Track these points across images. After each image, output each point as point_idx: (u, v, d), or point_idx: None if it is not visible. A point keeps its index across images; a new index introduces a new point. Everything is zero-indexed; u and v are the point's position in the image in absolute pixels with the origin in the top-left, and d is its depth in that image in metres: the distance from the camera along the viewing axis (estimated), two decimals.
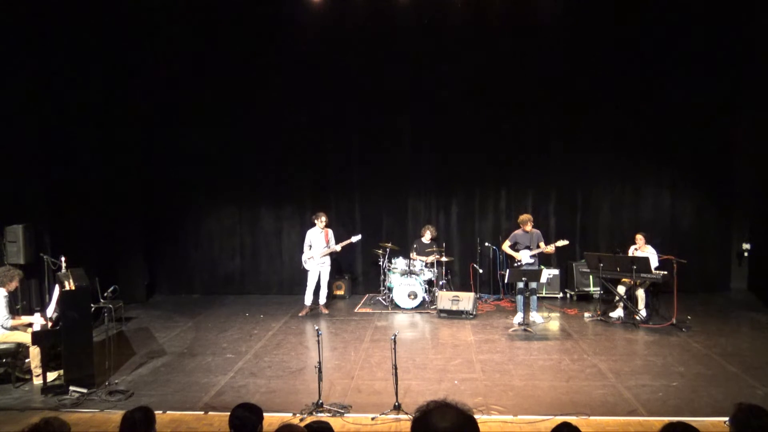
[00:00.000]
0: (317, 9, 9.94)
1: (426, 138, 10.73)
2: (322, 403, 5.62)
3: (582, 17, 10.09)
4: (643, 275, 8.39)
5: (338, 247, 9.45)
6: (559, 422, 3.19)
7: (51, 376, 6.39)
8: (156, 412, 3.54)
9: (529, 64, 10.28)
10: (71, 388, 6.12)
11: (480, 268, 10.44)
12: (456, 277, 10.86)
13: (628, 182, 10.63)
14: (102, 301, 7.09)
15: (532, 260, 8.74)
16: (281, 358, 7.35)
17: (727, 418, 3.07)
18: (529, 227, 8.76)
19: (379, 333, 8.39)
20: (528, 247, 8.75)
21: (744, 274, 10.54)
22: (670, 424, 2.73)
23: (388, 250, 9.98)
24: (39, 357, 6.38)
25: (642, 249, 8.80)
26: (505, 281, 9.45)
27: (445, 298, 9.24)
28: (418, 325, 9.02)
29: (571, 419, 4.18)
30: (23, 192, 8.18)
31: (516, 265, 8.75)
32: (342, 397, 5.97)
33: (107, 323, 7.18)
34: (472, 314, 9.04)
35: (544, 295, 10.05)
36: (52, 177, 8.62)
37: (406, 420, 5.35)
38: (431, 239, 10.12)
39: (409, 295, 9.60)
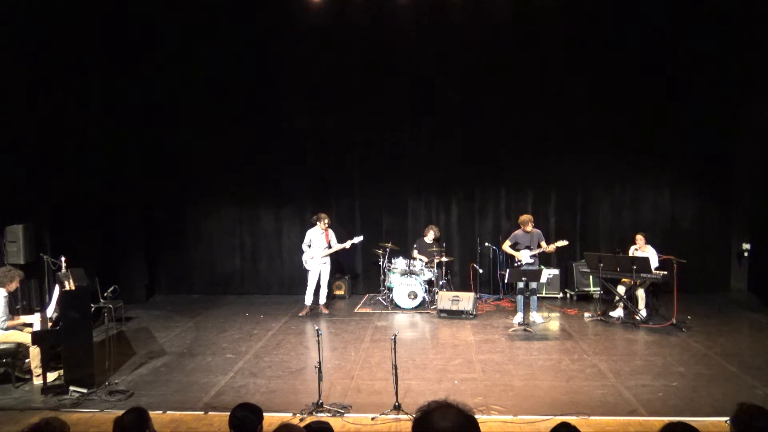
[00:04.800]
0: (317, 9, 9.94)
1: (426, 138, 10.73)
2: (322, 403, 5.62)
3: (582, 16, 10.09)
4: (643, 275, 8.39)
5: (347, 245, 9.41)
6: (558, 422, 3.18)
7: (51, 376, 6.39)
8: (156, 412, 3.55)
9: (528, 63, 10.28)
10: (71, 388, 6.11)
11: (480, 268, 10.44)
12: (456, 277, 10.85)
13: (628, 182, 10.62)
14: (102, 301, 7.10)
15: (532, 260, 8.74)
16: (281, 358, 7.35)
17: (727, 418, 3.06)
18: (529, 227, 8.76)
19: (379, 333, 8.39)
20: (528, 247, 8.74)
21: (744, 274, 10.52)
22: (670, 424, 2.73)
23: (388, 250, 9.98)
24: (39, 357, 6.37)
25: (642, 249, 8.80)
26: (505, 281, 9.46)
27: (445, 298, 9.24)
28: (418, 325, 9.02)
29: (571, 419, 4.18)
30: (23, 192, 8.18)
31: (516, 265, 8.75)
32: (342, 397, 5.97)
33: (107, 323, 7.21)
34: (472, 314, 9.04)
35: (544, 295, 10.05)
36: (52, 177, 8.62)
37: (406, 420, 5.35)
38: (434, 239, 10.12)
39: (409, 295, 9.60)
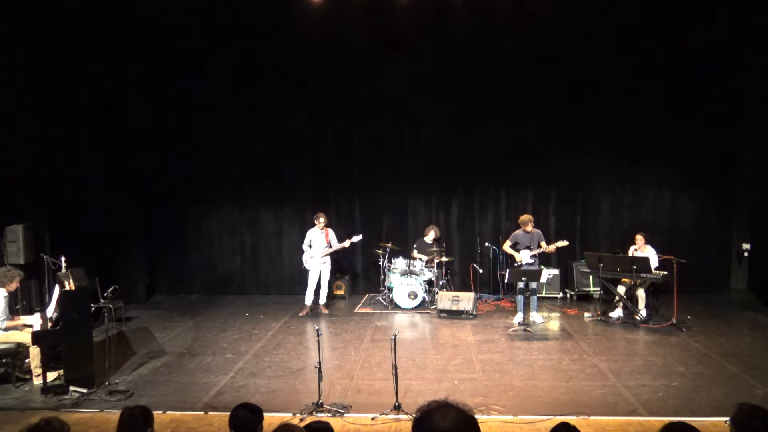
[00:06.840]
0: (317, 9, 9.95)
1: (426, 137, 10.73)
2: (322, 403, 5.63)
3: (582, 17, 10.09)
4: (643, 275, 8.39)
5: (346, 244, 9.42)
6: (558, 422, 3.18)
7: (51, 376, 6.39)
8: (156, 412, 3.55)
9: (529, 63, 10.27)
10: (71, 388, 6.12)
11: (480, 268, 10.44)
12: (456, 277, 10.86)
13: (628, 182, 10.62)
14: (102, 301, 7.10)
15: (532, 260, 8.73)
16: (281, 358, 7.35)
17: (727, 418, 3.07)
18: (529, 227, 8.75)
19: (379, 333, 8.39)
20: (528, 248, 8.74)
21: (744, 274, 10.52)
22: (670, 424, 2.73)
23: (388, 250, 9.98)
24: (39, 357, 6.37)
25: (642, 249, 8.80)
26: (505, 281, 9.45)
27: (445, 298, 9.24)
28: (418, 325, 9.02)
29: (571, 419, 4.19)
30: (23, 192, 8.18)
31: (516, 265, 8.75)
32: (342, 397, 5.97)
33: (107, 323, 7.20)
34: (472, 314, 9.04)
35: (544, 295, 10.05)
36: (52, 177, 8.62)
37: (406, 420, 5.35)
38: (434, 239, 10.12)
39: (409, 295, 9.60)
